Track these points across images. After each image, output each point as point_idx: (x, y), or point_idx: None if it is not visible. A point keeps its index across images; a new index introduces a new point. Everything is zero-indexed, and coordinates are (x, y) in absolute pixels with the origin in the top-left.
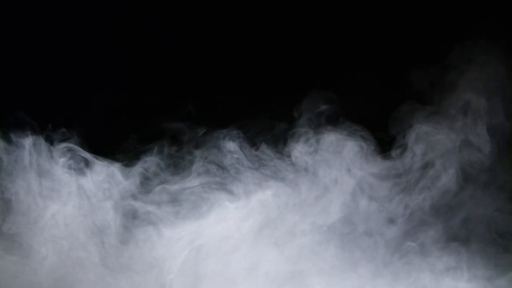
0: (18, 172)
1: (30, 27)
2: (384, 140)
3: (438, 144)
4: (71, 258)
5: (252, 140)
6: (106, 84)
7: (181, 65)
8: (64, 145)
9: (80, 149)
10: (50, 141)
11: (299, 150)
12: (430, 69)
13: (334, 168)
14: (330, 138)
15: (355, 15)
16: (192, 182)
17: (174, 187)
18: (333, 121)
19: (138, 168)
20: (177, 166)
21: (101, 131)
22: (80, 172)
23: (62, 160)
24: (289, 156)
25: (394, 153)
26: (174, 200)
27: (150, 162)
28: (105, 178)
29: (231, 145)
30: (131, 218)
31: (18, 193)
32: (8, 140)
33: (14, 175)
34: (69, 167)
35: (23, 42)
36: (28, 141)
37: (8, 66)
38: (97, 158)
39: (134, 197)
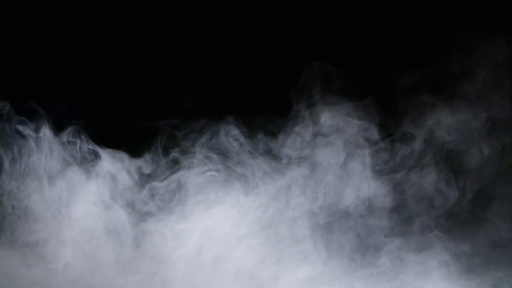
0: (31, 175)
1: (35, 27)
2: (386, 133)
3: (438, 138)
4: (89, 261)
5: (250, 130)
6: (106, 83)
7: (180, 63)
8: (70, 139)
9: (88, 142)
10: (58, 128)
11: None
12: (430, 64)
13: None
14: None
15: (354, 14)
16: (195, 173)
17: (175, 181)
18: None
19: (140, 164)
20: (177, 161)
21: (102, 129)
22: (88, 169)
23: (69, 156)
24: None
25: (394, 146)
26: (178, 193)
27: (151, 158)
28: (112, 175)
29: (231, 134)
30: (138, 215)
31: (33, 197)
32: (20, 135)
33: (28, 178)
34: (78, 164)
35: (23, 41)
36: (37, 135)
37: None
38: (103, 149)
39: (139, 193)
